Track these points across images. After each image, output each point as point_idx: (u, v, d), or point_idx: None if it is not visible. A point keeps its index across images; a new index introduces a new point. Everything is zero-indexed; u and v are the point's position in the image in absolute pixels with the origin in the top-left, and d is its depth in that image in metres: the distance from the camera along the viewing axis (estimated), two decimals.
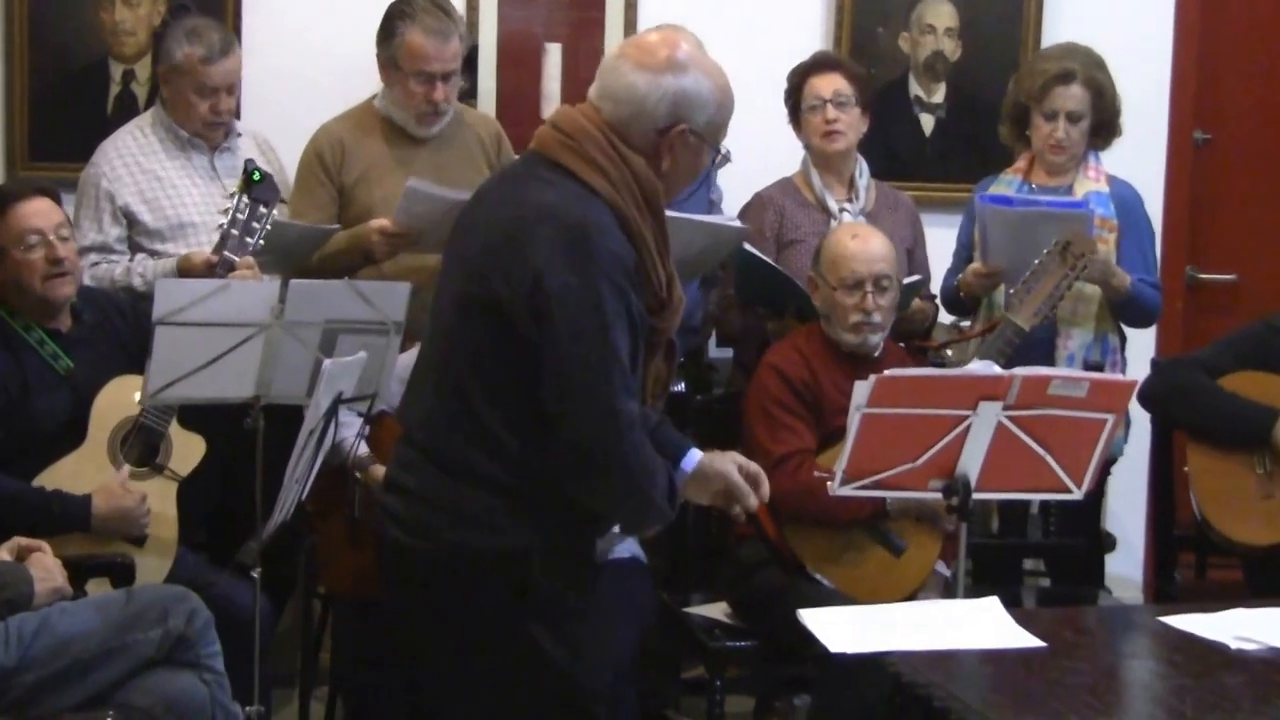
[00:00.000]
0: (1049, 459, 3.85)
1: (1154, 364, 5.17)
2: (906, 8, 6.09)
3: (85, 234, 4.93)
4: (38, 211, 4.44)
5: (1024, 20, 6.10)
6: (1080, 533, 5.23)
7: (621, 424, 3.24)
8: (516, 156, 3.69)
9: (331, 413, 4.03)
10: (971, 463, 3.81)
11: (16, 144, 5.70)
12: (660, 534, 4.83)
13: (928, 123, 6.17)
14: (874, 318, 4.65)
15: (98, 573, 4.28)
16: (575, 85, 5.77)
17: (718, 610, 4.83)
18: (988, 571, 5.22)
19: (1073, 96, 5.13)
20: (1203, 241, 6.50)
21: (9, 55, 5.66)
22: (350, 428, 4.42)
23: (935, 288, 5.37)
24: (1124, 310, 5.15)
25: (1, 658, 3.83)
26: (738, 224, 5.11)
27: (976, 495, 3.85)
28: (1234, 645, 3.36)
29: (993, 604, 3.57)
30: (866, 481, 3.87)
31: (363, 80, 5.22)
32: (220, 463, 4.58)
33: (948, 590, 4.52)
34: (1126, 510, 6.06)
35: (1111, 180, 5.23)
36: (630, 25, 5.73)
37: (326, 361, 4.02)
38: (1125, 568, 6.00)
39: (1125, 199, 5.22)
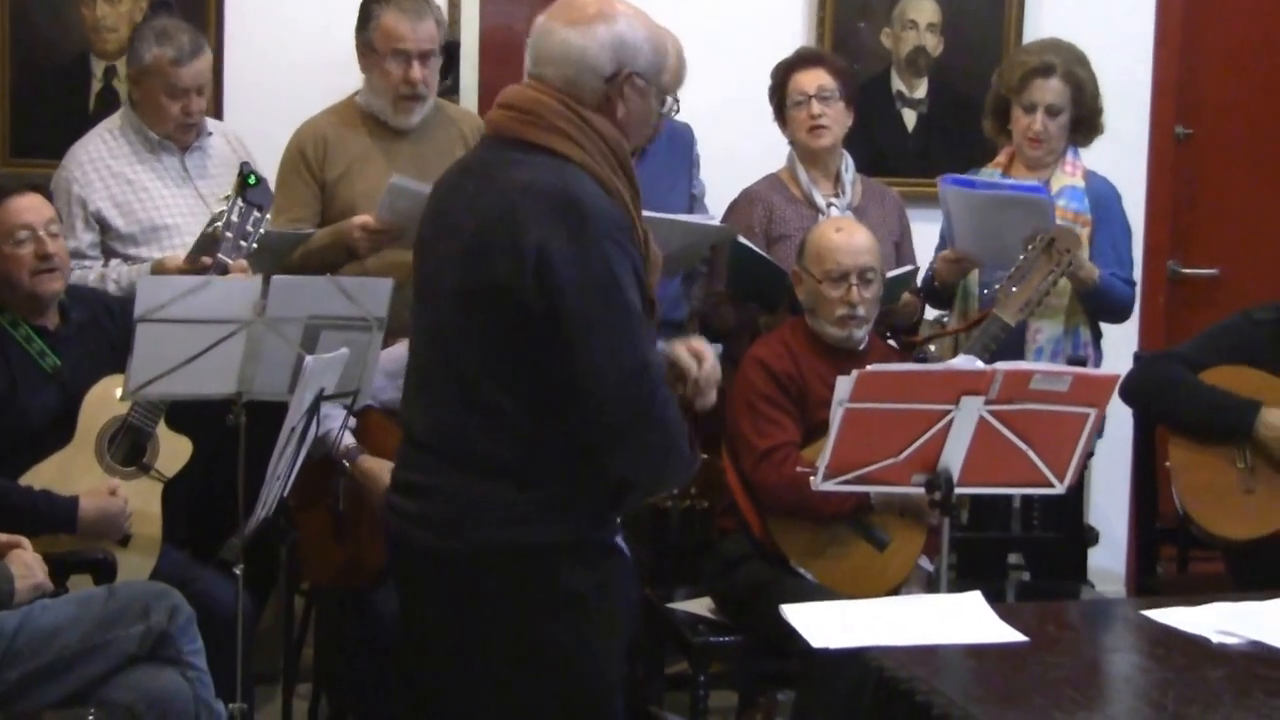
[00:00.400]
0: (1031, 453, 3.86)
1: (1136, 358, 5.18)
2: (888, 4, 6.11)
3: None
4: (28, 207, 4.44)
5: (1006, 16, 6.12)
6: (1063, 527, 5.24)
7: (654, 377, 3.24)
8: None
9: (313, 409, 4.03)
10: (954, 457, 3.81)
11: None
12: (643, 529, 4.86)
13: (910, 118, 6.19)
14: (858, 310, 4.66)
15: (79, 569, 4.27)
16: None
17: (701, 606, 4.82)
18: (971, 566, 5.23)
19: (1051, 89, 5.14)
20: (1184, 236, 6.52)
21: None
22: (334, 419, 4.42)
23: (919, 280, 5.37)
24: (1093, 303, 5.16)
25: None
26: (717, 223, 5.11)
27: (959, 490, 3.85)
28: (1216, 639, 3.36)
29: (975, 599, 3.57)
30: (849, 476, 3.88)
31: (345, 76, 5.21)
32: (202, 459, 4.56)
33: (931, 585, 4.53)
34: (1109, 504, 6.07)
35: (1089, 175, 5.24)
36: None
37: (308, 358, 4.01)
38: (1108, 561, 6.02)
39: (1100, 194, 5.23)
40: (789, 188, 5.28)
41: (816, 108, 5.18)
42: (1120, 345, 5.42)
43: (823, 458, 3.83)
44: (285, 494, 4.18)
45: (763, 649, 4.59)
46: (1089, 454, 5.04)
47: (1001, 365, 3.81)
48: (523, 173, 3.24)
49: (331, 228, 4.89)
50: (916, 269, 5.25)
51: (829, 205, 5.21)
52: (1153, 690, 3.20)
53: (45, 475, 4.37)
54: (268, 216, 4.57)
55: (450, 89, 5.64)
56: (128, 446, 4.48)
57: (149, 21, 5.17)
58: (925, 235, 5.40)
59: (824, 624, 3.42)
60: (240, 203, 4.50)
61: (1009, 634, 3.37)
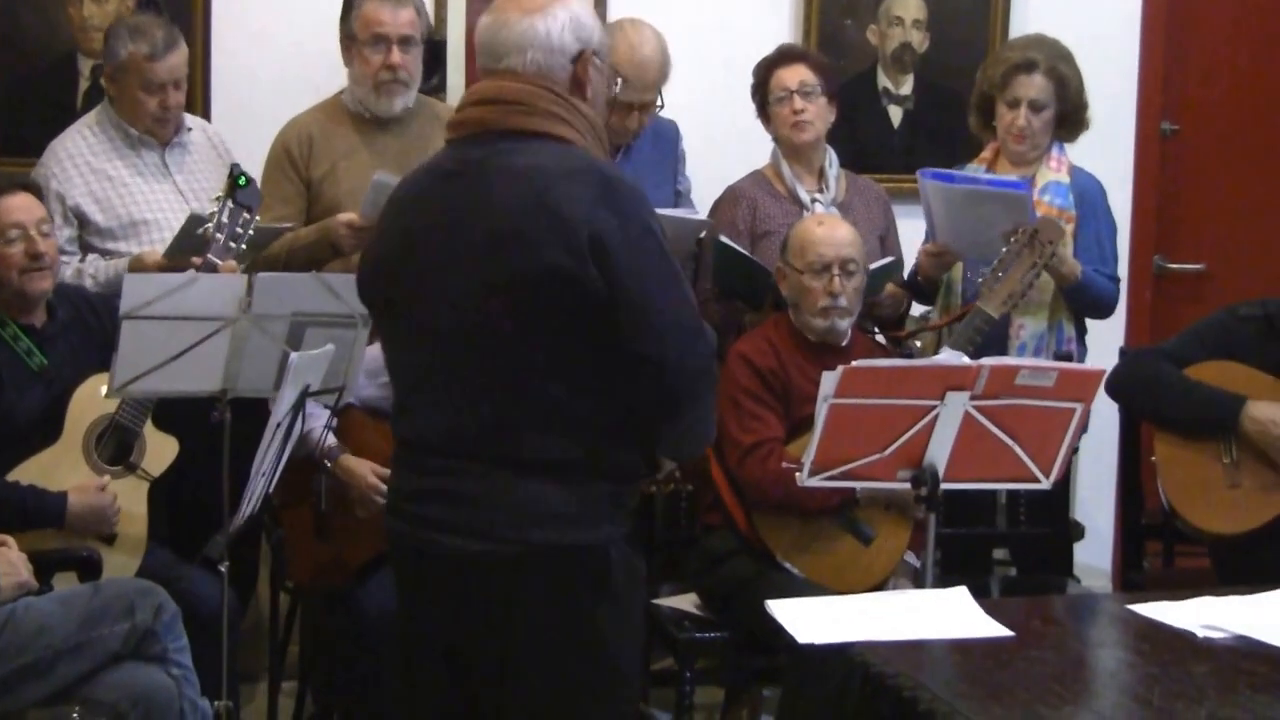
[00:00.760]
0: (1016, 448, 3.86)
1: (1122, 354, 5.18)
2: (874, 0, 6.09)
3: None
4: (20, 206, 4.45)
5: (991, 12, 6.13)
6: (1049, 522, 5.25)
7: (711, 340, 3.28)
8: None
9: (298, 406, 4.02)
10: (939, 453, 3.81)
11: None
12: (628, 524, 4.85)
13: (896, 114, 6.19)
14: (840, 301, 4.67)
15: (64, 567, 4.27)
16: None
17: (687, 602, 4.83)
18: (957, 561, 5.23)
19: (1035, 85, 5.15)
20: (1171, 231, 6.52)
21: None
22: (318, 418, 4.41)
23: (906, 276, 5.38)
24: (1075, 299, 5.16)
25: None
26: (701, 217, 5.11)
27: (945, 485, 3.85)
28: (1201, 633, 3.37)
29: (961, 594, 3.57)
30: (835, 472, 3.87)
31: (331, 74, 5.21)
32: (188, 458, 4.56)
33: (917, 580, 4.53)
34: (1095, 499, 6.08)
35: (1074, 171, 5.25)
36: (600, 19, 5.70)
37: (293, 354, 4.01)
38: (1094, 557, 6.02)
39: (1085, 190, 5.23)
40: (773, 184, 5.28)
41: (798, 103, 5.19)
42: (1106, 341, 5.42)
43: (808, 453, 3.83)
44: (270, 491, 4.18)
45: (748, 645, 4.60)
46: (1074, 449, 5.07)
47: (987, 360, 3.81)
48: (536, 159, 3.22)
49: (317, 225, 4.89)
50: (898, 260, 5.25)
51: (813, 201, 5.21)
52: (1138, 685, 3.21)
53: (32, 473, 4.37)
54: (257, 218, 4.56)
55: (436, 88, 5.64)
56: (114, 445, 4.48)
57: (123, 17, 5.17)
58: (913, 231, 5.40)
59: (810, 619, 3.42)
60: (230, 204, 4.49)
61: (995, 629, 3.38)
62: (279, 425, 3.98)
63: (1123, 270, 5.41)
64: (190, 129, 5.19)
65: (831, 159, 5.32)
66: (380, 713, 4.53)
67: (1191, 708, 2.97)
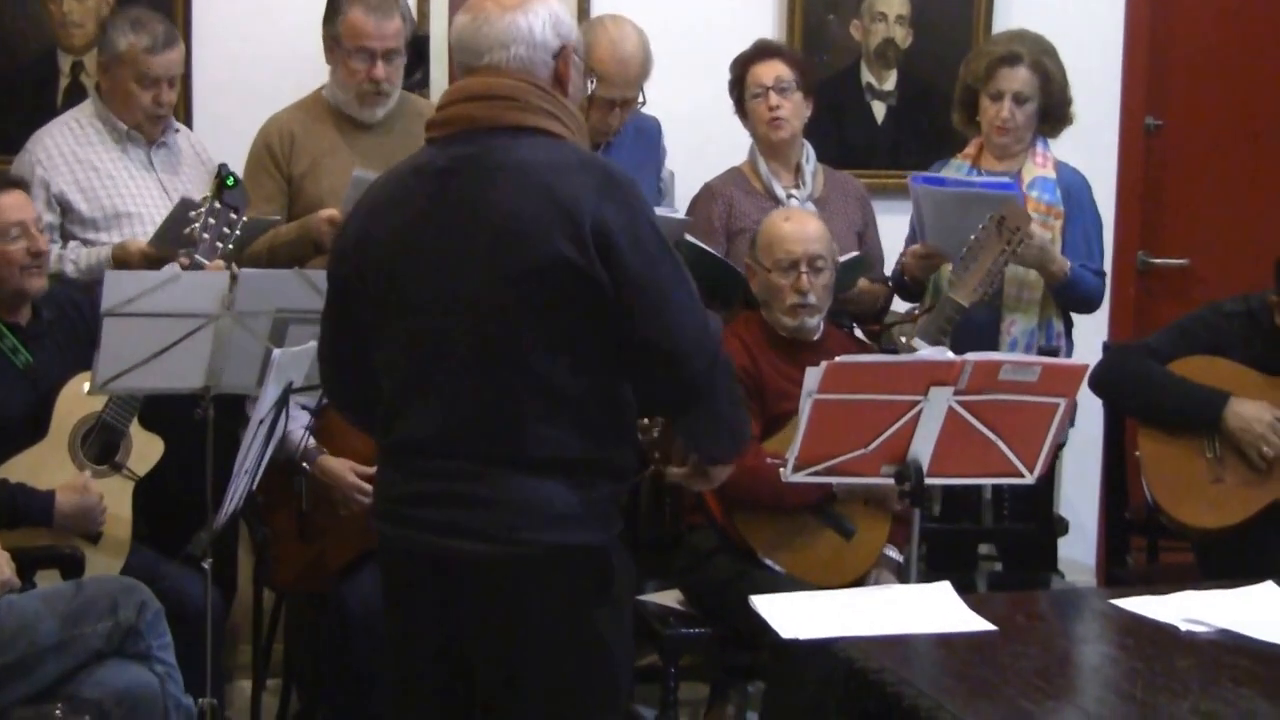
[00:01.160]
0: (1000, 444, 3.86)
1: (1105, 349, 5.19)
2: None
3: None
4: (18, 205, 4.47)
5: (975, 7, 6.13)
6: (1033, 517, 5.25)
7: (717, 330, 3.28)
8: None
9: (282, 403, 4.01)
10: (923, 448, 3.81)
11: None
12: None
13: (879, 110, 6.19)
14: (809, 298, 4.67)
15: (47, 564, 4.26)
16: None
17: (671, 598, 4.82)
18: (943, 557, 5.23)
19: (1018, 78, 5.15)
20: (1154, 227, 6.53)
21: None
22: (298, 420, 4.41)
23: (889, 272, 5.37)
24: (1063, 295, 5.16)
25: None
26: (680, 215, 5.11)
27: (928, 480, 3.85)
28: (1184, 627, 3.37)
29: (944, 589, 3.57)
30: (819, 468, 3.87)
31: (313, 71, 5.20)
32: (169, 453, 4.55)
33: (901, 575, 4.54)
34: (1079, 494, 6.08)
35: (1059, 167, 5.25)
36: (582, 14, 5.70)
37: (276, 351, 4.00)
38: (1078, 552, 6.02)
39: (1072, 185, 5.24)
40: (749, 180, 5.28)
41: (774, 99, 5.20)
42: (1089, 336, 5.43)
43: (792, 450, 3.82)
44: (254, 488, 4.17)
45: (732, 641, 4.60)
46: (1061, 444, 5.08)
47: (971, 355, 3.80)
48: (536, 154, 3.21)
49: (298, 222, 4.89)
50: (867, 255, 5.24)
51: (789, 197, 5.21)
52: (1121, 679, 3.21)
53: (17, 471, 4.36)
54: (244, 218, 4.55)
55: (419, 83, 5.62)
56: (100, 444, 4.47)
57: (123, 10, 5.16)
58: (895, 227, 5.40)
59: (793, 615, 3.42)
60: (217, 204, 4.48)
61: (978, 624, 3.38)
62: (261, 422, 3.98)
63: (1107, 266, 5.42)
64: (178, 130, 5.19)
65: (809, 155, 5.33)
66: (365, 710, 4.53)
67: (1175, 701, 2.97)
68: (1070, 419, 5.00)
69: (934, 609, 3.48)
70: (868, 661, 3.14)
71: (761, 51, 5.33)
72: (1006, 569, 5.50)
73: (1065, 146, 5.36)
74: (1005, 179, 5.09)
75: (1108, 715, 2.97)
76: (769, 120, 5.21)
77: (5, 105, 5.59)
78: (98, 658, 3.99)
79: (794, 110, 5.22)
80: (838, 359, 3.74)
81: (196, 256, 4.43)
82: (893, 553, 4.67)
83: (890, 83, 6.17)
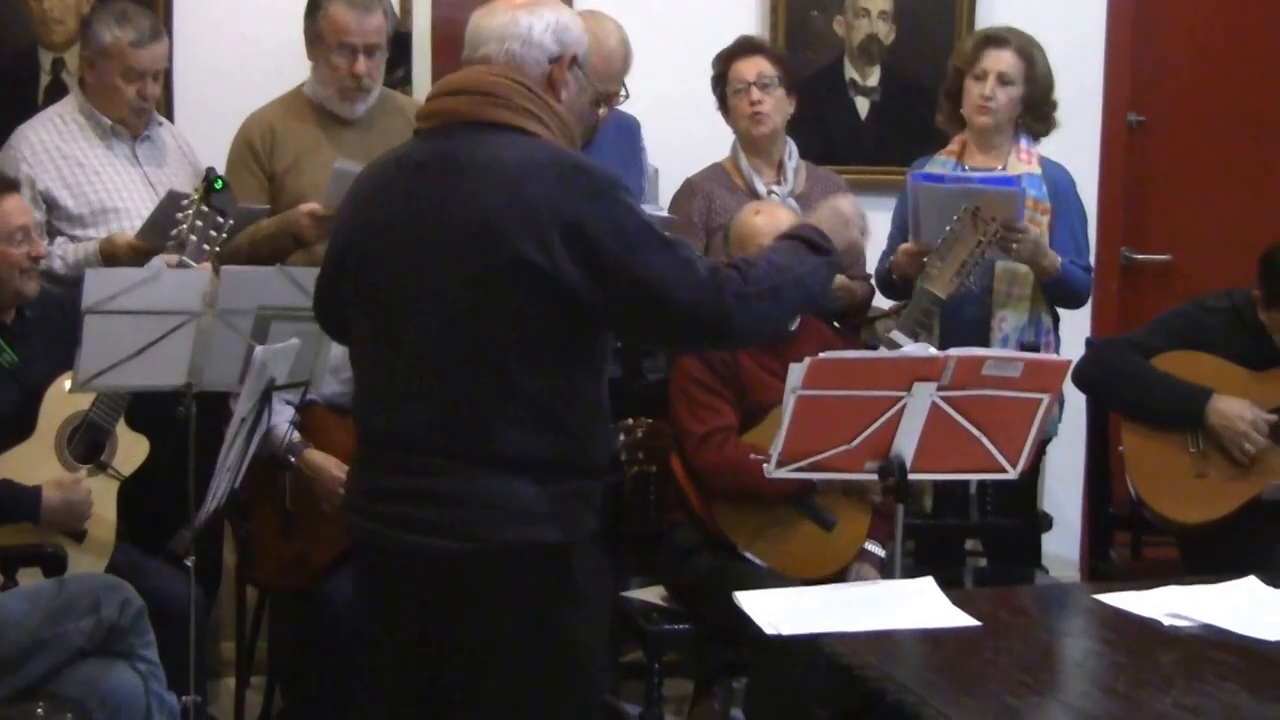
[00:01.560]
0: (984, 439, 3.85)
1: (1089, 344, 5.19)
2: None
3: None
4: (19, 209, 4.47)
5: (958, 3, 6.13)
6: (1017, 513, 5.26)
7: (721, 282, 3.21)
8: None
9: (264, 400, 4.00)
10: (906, 444, 3.80)
11: None
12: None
13: (863, 106, 6.19)
14: None
15: (28, 562, 4.25)
16: None
17: (655, 594, 4.83)
18: (928, 553, 5.24)
19: (1004, 60, 5.16)
20: (1137, 223, 6.54)
21: None
22: (281, 415, 4.40)
23: (871, 269, 5.37)
24: (1053, 291, 5.17)
25: None
26: (665, 214, 5.11)
27: (912, 476, 3.84)
28: (1167, 622, 3.37)
29: (928, 584, 3.57)
30: (802, 464, 3.86)
31: (294, 67, 5.19)
32: (152, 450, 4.55)
33: (883, 571, 4.54)
34: (1063, 490, 6.09)
35: (1044, 162, 5.25)
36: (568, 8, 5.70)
37: (259, 348, 3.99)
38: (1062, 547, 6.03)
39: (1057, 181, 5.24)
40: (731, 177, 5.29)
41: (756, 95, 5.21)
42: (1073, 331, 5.44)
43: (775, 445, 3.82)
44: (236, 486, 4.16)
45: (716, 637, 4.60)
46: (1046, 440, 5.09)
47: (954, 351, 3.80)
48: (508, 153, 3.19)
49: (278, 216, 4.88)
50: (862, 258, 5.25)
51: (770, 193, 5.21)
52: (1104, 674, 3.21)
53: (3, 469, 4.35)
54: (231, 222, 4.55)
55: (402, 79, 5.63)
56: (86, 443, 4.46)
57: (107, 4, 5.15)
58: (878, 223, 5.37)
59: (777, 611, 3.41)
60: (204, 207, 4.48)
61: (962, 619, 3.37)
62: (244, 420, 3.97)
63: (1090, 261, 5.42)
64: (161, 124, 5.18)
65: (791, 151, 5.33)
66: (349, 707, 4.52)
67: (1157, 696, 2.97)
68: (1059, 407, 5.04)
69: (918, 605, 3.47)
70: (852, 657, 3.14)
71: (744, 47, 5.33)
72: (992, 564, 5.50)
73: (1048, 143, 5.37)
74: (1006, 175, 5.08)
75: (1091, 710, 2.96)
76: (750, 115, 5.21)
77: None
78: (80, 656, 3.98)
79: (776, 106, 5.23)
80: (821, 355, 3.73)
81: (184, 259, 4.42)
82: (875, 548, 4.67)
83: (874, 78, 6.18)
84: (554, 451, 3.22)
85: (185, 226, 4.46)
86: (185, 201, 4.50)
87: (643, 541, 5.02)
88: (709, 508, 4.59)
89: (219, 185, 4.51)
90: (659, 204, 5.40)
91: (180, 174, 5.09)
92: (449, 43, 5.85)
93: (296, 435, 4.60)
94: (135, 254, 4.63)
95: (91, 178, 4.97)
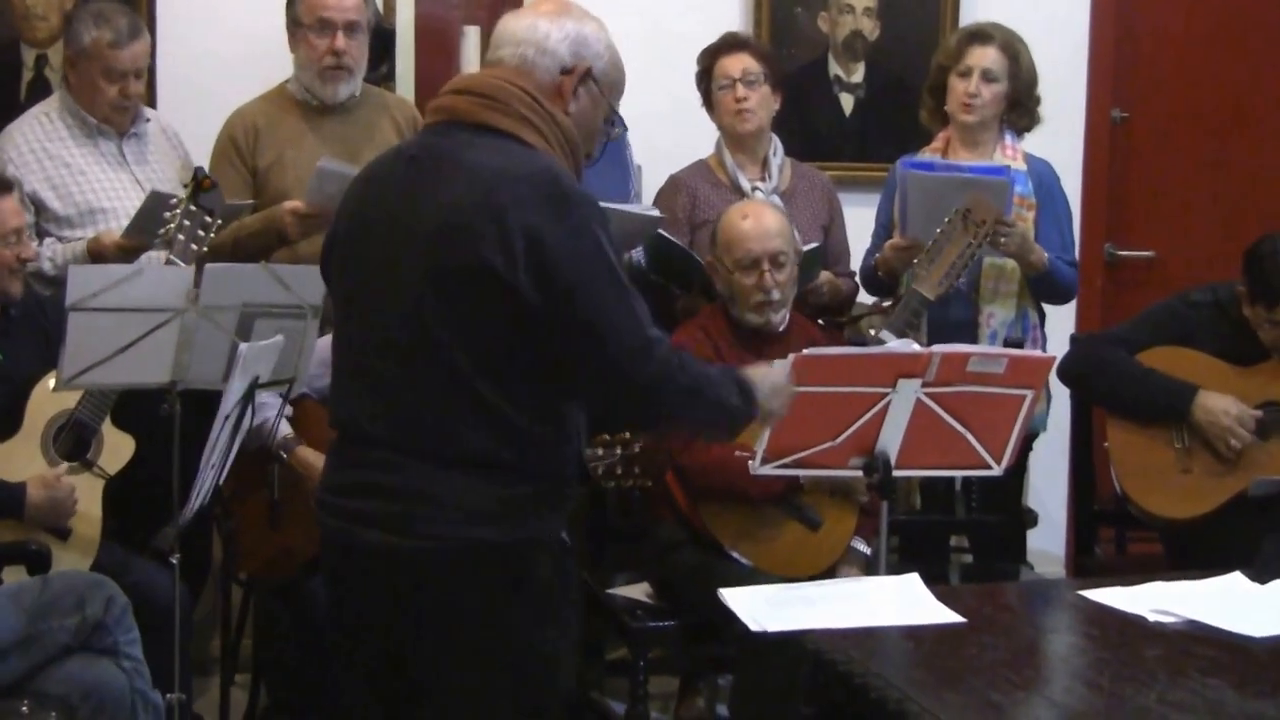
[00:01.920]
0: (968, 436, 3.86)
1: (1073, 340, 5.20)
2: None
3: None
4: (15, 210, 4.47)
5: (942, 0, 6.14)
6: (1002, 509, 5.26)
7: (659, 352, 3.20)
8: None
9: (248, 397, 4.00)
10: (891, 440, 3.81)
11: None
12: (581, 515, 4.84)
13: (847, 102, 6.20)
14: (773, 295, 4.69)
15: (12, 561, 4.24)
16: None
17: (639, 591, 4.82)
18: (914, 550, 5.24)
19: (988, 56, 5.15)
20: (1121, 219, 6.55)
21: None
22: (270, 408, 4.39)
23: (855, 266, 5.37)
24: (1040, 287, 5.17)
25: None
26: (654, 212, 5.11)
27: (897, 473, 3.85)
28: (1151, 618, 3.38)
29: (913, 581, 3.58)
30: (787, 461, 3.86)
31: (278, 63, 5.19)
32: (137, 448, 4.54)
33: (868, 569, 4.54)
34: (1048, 486, 6.10)
35: (1029, 158, 5.25)
36: None
37: (243, 345, 3.98)
38: (1047, 543, 6.04)
39: (1043, 177, 5.24)
40: (715, 173, 5.29)
41: (741, 91, 5.20)
42: (1058, 327, 5.44)
43: (760, 442, 3.82)
44: (220, 483, 4.15)
45: (701, 634, 4.59)
46: (1032, 436, 5.09)
47: (938, 347, 3.80)
48: (493, 158, 3.18)
49: (262, 213, 4.87)
50: (846, 255, 5.25)
51: (755, 190, 5.21)
52: (1089, 670, 3.22)
53: None
54: (219, 221, 4.54)
55: (385, 77, 5.62)
56: (72, 441, 4.45)
57: (86, 3, 5.14)
58: (862, 219, 5.40)
59: (761, 607, 3.42)
60: (192, 207, 4.47)
61: (947, 615, 3.38)
62: (227, 417, 3.96)
63: (1076, 257, 5.42)
64: (148, 120, 5.17)
65: (776, 148, 5.33)
66: (333, 703, 4.51)
67: (1142, 691, 2.97)
68: (1048, 402, 5.04)
69: (902, 601, 3.48)
70: (836, 654, 3.14)
71: (729, 44, 5.33)
72: (977, 561, 5.51)
73: (1032, 138, 5.36)
74: (994, 164, 5.08)
75: (1075, 705, 2.97)
76: (735, 112, 5.21)
77: None
78: (64, 653, 3.97)
79: (761, 102, 5.22)
80: (805, 351, 3.73)
81: (172, 258, 4.42)
82: (861, 546, 4.67)
83: (858, 75, 6.18)
84: (505, 455, 3.19)
85: (173, 226, 4.46)
86: (173, 201, 4.49)
87: (627, 537, 5.02)
88: (695, 508, 4.59)
89: (207, 185, 4.50)
90: (644, 200, 5.39)
91: (169, 170, 5.09)
92: (432, 39, 5.86)
93: (288, 430, 4.59)
94: (122, 252, 4.62)
95: (78, 178, 4.96)
